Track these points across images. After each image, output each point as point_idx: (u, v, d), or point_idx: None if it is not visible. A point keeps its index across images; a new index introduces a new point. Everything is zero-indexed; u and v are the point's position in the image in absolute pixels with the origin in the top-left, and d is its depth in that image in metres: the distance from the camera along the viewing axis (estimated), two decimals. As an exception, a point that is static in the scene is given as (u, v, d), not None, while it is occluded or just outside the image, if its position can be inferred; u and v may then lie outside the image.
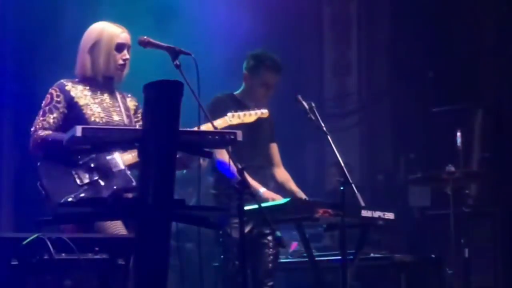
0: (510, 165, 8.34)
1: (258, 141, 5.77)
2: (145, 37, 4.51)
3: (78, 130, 3.67)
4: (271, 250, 5.63)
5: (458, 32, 9.29)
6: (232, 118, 5.10)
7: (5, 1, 7.93)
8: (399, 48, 9.83)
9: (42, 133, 4.52)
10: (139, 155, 3.78)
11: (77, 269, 3.45)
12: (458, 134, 7.07)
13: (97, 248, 3.53)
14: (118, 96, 4.77)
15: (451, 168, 6.73)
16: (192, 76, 4.24)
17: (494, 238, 7.86)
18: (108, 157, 4.51)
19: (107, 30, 4.71)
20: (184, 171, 7.87)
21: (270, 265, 5.62)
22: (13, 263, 3.35)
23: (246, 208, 4.22)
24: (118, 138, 3.79)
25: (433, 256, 6.95)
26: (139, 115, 4.81)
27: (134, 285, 3.52)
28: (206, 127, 4.52)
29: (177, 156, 4.01)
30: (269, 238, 5.61)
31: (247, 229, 4.73)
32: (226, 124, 5.09)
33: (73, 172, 4.46)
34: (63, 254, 3.44)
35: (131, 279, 3.57)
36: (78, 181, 4.44)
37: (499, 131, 8.38)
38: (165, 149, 3.61)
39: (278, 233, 4.43)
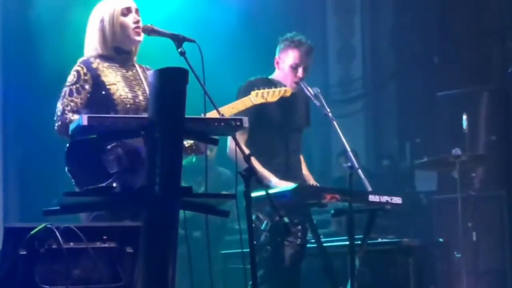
0: (517, 148, 8.34)
1: (295, 124, 5.78)
2: (149, 24, 4.48)
3: (84, 119, 3.66)
4: (299, 240, 5.63)
5: (462, 16, 9.26)
6: (255, 98, 5.04)
7: (7, 3, 7.94)
8: (403, 33, 9.81)
9: (72, 117, 4.30)
10: (145, 143, 3.78)
11: (85, 258, 3.45)
12: (464, 117, 7.06)
13: (105, 237, 3.52)
14: (140, 70, 4.60)
15: (458, 151, 6.73)
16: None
17: (501, 221, 7.85)
18: (135, 142, 4.20)
19: (108, 3, 4.55)
20: (194, 159, 7.89)
21: (298, 253, 5.62)
22: (21, 253, 3.34)
23: (254, 195, 4.20)
24: (124, 127, 3.78)
25: (440, 240, 6.96)
26: None
27: (143, 273, 3.52)
28: (212, 114, 4.46)
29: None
30: (298, 227, 5.61)
31: (276, 218, 4.71)
32: (250, 104, 5.02)
33: (103, 159, 4.22)
34: (72, 243, 3.43)
35: (139, 267, 3.56)
36: (108, 168, 4.21)
37: (505, 113, 8.36)
38: (171, 137, 3.61)
39: (286, 219, 4.41)
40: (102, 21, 4.52)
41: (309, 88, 5.64)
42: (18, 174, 8.01)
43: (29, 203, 7.57)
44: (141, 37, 4.53)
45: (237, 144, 4.24)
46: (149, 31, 4.47)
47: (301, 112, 5.85)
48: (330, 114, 5.55)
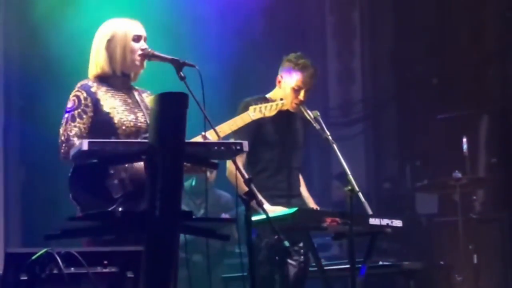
0: (517, 170, 8.34)
1: (294, 142, 5.80)
2: (149, 49, 4.51)
3: (85, 144, 3.67)
4: (302, 257, 5.62)
5: (462, 38, 9.29)
6: (254, 113, 5.06)
7: (7, 19, 7.96)
8: (402, 56, 9.83)
9: (78, 142, 4.22)
10: (146, 168, 3.79)
11: (86, 283, 3.45)
12: (464, 140, 7.07)
13: (106, 262, 3.53)
14: (135, 93, 4.63)
15: (458, 174, 6.74)
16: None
17: (502, 244, 7.85)
18: (138, 166, 4.27)
19: (121, 24, 4.58)
20: (193, 183, 7.89)
21: (300, 272, 5.60)
22: (22, 278, 3.34)
23: (255, 218, 4.22)
24: (124, 151, 3.80)
25: (442, 263, 6.95)
26: None
27: (144, 297, 3.53)
28: (210, 133, 4.48)
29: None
30: (300, 245, 5.60)
31: (276, 237, 4.72)
32: (249, 119, 5.06)
33: (107, 183, 4.27)
34: (72, 268, 3.43)
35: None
36: (112, 193, 4.26)
37: (505, 136, 8.38)
38: (172, 161, 3.62)
39: (286, 243, 4.42)
40: (111, 40, 4.55)
41: (308, 112, 5.65)
42: (20, 198, 8.00)
43: (31, 228, 7.57)
44: (142, 67, 4.58)
45: (237, 168, 4.26)
46: (149, 56, 4.49)
47: (300, 131, 5.87)
48: (330, 137, 5.56)
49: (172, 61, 4.37)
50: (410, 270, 6.19)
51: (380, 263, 6.35)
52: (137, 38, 4.56)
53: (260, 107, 5.14)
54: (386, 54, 10.07)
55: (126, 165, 4.29)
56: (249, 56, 8.63)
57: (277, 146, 5.70)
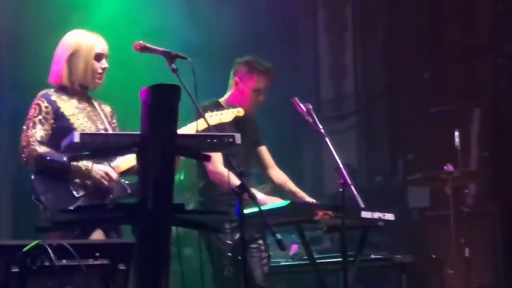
0: (509, 163, 8.35)
1: (246, 149, 5.76)
2: (141, 41, 4.50)
3: (76, 136, 3.66)
4: (263, 253, 5.63)
5: (453, 32, 9.29)
6: (210, 118, 5.07)
7: (0, 13, 7.93)
8: (394, 50, 9.83)
9: (39, 149, 4.50)
10: (138, 160, 3.78)
11: (78, 275, 3.44)
12: (456, 134, 7.07)
13: (97, 254, 3.52)
14: (95, 103, 4.78)
15: (450, 168, 6.74)
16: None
17: (494, 237, 7.86)
18: (99, 168, 4.50)
19: (85, 40, 4.70)
20: (182, 177, 7.88)
21: (265, 268, 5.63)
22: (13, 270, 3.33)
23: (246, 211, 4.21)
24: (116, 144, 3.79)
25: (433, 256, 6.95)
26: (115, 121, 4.82)
27: (136, 290, 3.51)
28: (201, 122, 4.52)
29: None
30: (260, 242, 5.61)
31: (237, 235, 4.73)
32: (205, 126, 5.07)
33: (69, 184, 4.46)
34: (64, 261, 3.42)
35: (132, 284, 3.56)
36: (74, 192, 4.44)
37: (496, 130, 8.39)
38: (164, 154, 3.60)
39: (278, 236, 4.42)
40: (74, 55, 4.67)
41: (301, 105, 5.64)
42: (10, 191, 7.99)
43: (22, 220, 7.55)
44: (101, 82, 4.74)
45: (228, 161, 4.25)
46: (141, 48, 4.50)
47: (250, 137, 5.81)
48: (322, 131, 5.55)
49: (164, 53, 4.40)
50: (402, 263, 6.19)
51: (372, 256, 6.35)
52: (99, 56, 4.68)
53: (217, 114, 5.15)
54: (378, 48, 10.07)
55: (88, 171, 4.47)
56: (240, 49, 8.61)
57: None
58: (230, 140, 3.99)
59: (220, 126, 5.16)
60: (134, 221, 3.61)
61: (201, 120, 4.74)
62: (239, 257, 5.28)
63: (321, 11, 10.40)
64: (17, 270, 3.32)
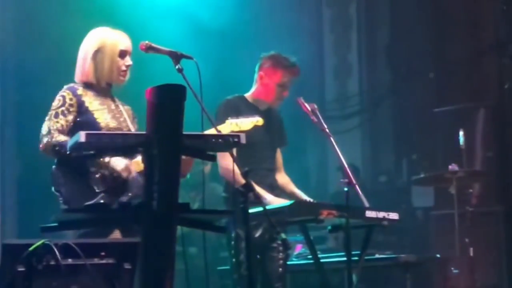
0: (513, 163, 8.35)
1: (271, 143, 5.79)
2: (146, 41, 4.51)
3: (82, 136, 3.67)
4: (280, 254, 5.63)
5: (458, 32, 9.29)
6: (230, 126, 5.07)
7: (5, 11, 7.94)
8: (399, 49, 9.85)
9: (58, 137, 4.45)
10: (143, 160, 3.79)
11: (83, 274, 3.45)
12: (461, 133, 7.07)
13: (103, 253, 3.53)
14: (119, 103, 4.77)
15: (454, 167, 6.74)
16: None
17: (498, 237, 7.87)
18: (119, 160, 4.45)
19: (110, 37, 4.68)
20: (187, 176, 7.89)
21: (280, 269, 5.63)
22: (19, 269, 3.34)
23: (251, 211, 4.22)
24: (122, 143, 3.80)
25: (438, 255, 6.96)
26: (136, 126, 4.80)
27: (141, 289, 3.53)
28: (210, 132, 4.50)
29: None
30: (279, 242, 5.61)
31: (257, 233, 4.73)
32: (228, 131, 5.06)
33: (89, 178, 4.41)
34: (70, 260, 3.43)
35: (137, 284, 3.57)
36: (95, 187, 4.40)
37: (501, 129, 8.38)
38: (169, 153, 3.62)
39: (283, 235, 4.43)
40: (98, 52, 4.65)
41: (306, 104, 5.65)
42: (16, 190, 8.00)
43: (27, 219, 7.56)
44: (126, 79, 4.70)
45: (234, 160, 4.26)
46: (147, 48, 4.50)
47: (276, 134, 5.84)
48: (327, 130, 5.57)
49: (169, 53, 4.40)
50: (406, 262, 6.20)
51: (377, 255, 6.36)
52: (123, 54, 4.67)
53: (237, 123, 5.12)
54: (383, 48, 10.08)
55: (107, 162, 4.42)
56: (244, 49, 8.62)
57: (251, 147, 5.64)
58: (235, 140, 4.01)
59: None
60: (140, 221, 3.62)
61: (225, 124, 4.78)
62: (258, 256, 5.32)
63: (325, 11, 10.41)
64: (23, 269, 3.33)
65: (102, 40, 4.67)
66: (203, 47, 7.59)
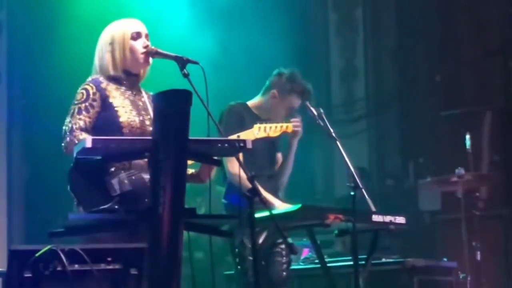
0: (520, 167, 8.35)
1: (272, 150, 5.79)
2: (152, 47, 4.50)
3: (89, 142, 3.68)
4: (284, 258, 5.64)
5: (464, 35, 9.29)
6: (258, 132, 5.02)
7: (10, 17, 7.96)
8: (405, 53, 9.84)
9: (81, 136, 4.29)
10: (149, 164, 3.79)
11: (90, 280, 3.45)
12: (467, 137, 7.06)
13: (110, 259, 3.53)
14: (145, 96, 4.61)
15: (461, 171, 6.73)
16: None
17: (505, 240, 7.86)
18: (138, 165, 4.29)
19: (119, 24, 4.58)
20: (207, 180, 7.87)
21: (284, 273, 5.63)
22: (26, 275, 3.35)
23: (257, 215, 4.22)
24: (128, 149, 3.80)
25: (445, 259, 6.95)
26: None
27: (147, 294, 3.53)
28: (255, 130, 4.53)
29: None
30: (282, 246, 5.61)
31: (261, 239, 4.72)
32: (253, 137, 4.88)
33: (106, 180, 4.25)
34: (76, 265, 3.43)
35: (143, 289, 3.57)
36: (111, 190, 4.23)
37: (508, 133, 8.38)
38: (175, 158, 3.62)
39: (290, 240, 4.42)
40: (112, 43, 4.53)
41: (312, 109, 5.66)
42: (23, 195, 8.02)
43: (34, 225, 7.58)
44: (150, 61, 4.55)
45: (240, 165, 4.25)
46: (152, 54, 4.49)
47: (278, 140, 5.81)
48: (333, 134, 5.57)
49: (175, 58, 4.36)
50: (413, 266, 6.20)
51: (383, 260, 6.36)
52: (136, 36, 4.53)
53: (265, 127, 5.05)
54: (389, 51, 10.07)
55: (126, 165, 4.28)
56: (250, 54, 8.63)
57: (259, 155, 5.63)
58: (241, 144, 4.01)
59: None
60: (146, 226, 3.62)
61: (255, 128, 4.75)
62: (262, 263, 5.32)
63: (331, 15, 10.41)
64: (30, 275, 3.34)
65: (113, 31, 4.56)
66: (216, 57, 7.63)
